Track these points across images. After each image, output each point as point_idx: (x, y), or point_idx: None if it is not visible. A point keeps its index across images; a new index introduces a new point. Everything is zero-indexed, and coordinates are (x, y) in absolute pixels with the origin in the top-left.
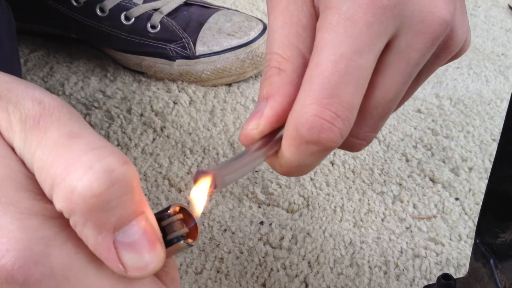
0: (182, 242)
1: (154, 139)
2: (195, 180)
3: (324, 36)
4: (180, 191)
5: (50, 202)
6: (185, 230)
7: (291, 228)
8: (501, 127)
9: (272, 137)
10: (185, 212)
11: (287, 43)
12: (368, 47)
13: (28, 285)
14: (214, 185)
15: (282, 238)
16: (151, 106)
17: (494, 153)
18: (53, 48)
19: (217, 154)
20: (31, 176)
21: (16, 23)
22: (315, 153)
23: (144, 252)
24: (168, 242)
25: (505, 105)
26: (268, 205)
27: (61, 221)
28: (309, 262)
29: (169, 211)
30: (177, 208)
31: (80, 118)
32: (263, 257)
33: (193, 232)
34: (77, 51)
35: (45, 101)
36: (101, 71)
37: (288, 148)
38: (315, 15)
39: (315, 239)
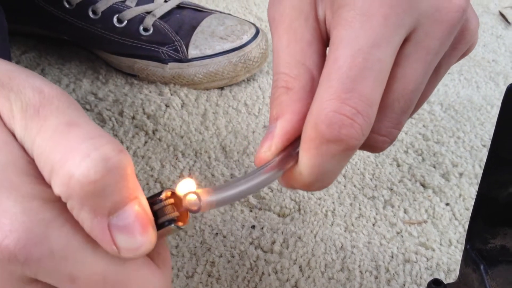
0: (172, 225)
1: (146, 142)
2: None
3: (340, 32)
4: None
5: (49, 186)
6: (175, 213)
7: (282, 232)
8: (491, 133)
9: (287, 153)
10: (177, 197)
11: (293, 61)
12: (386, 40)
13: (28, 264)
14: (199, 206)
15: (273, 242)
16: (143, 109)
17: (484, 159)
18: (45, 49)
19: (209, 157)
20: (31, 161)
21: (8, 24)
22: (337, 154)
23: (137, 234)
24: (160, 225)
25: (496, 111)
26: (260, 209)
27: (60, 204)
28: (300, 267)
29: (161, 196)
30: (169, 193)
31: (78, 107)
32: (254, 261)
33: (183, 216)
34: (69, 53)
35: (45, 90)
36: (93, 73)
37: (307, 151)
38: (319, 30)
39: (306, 244)
